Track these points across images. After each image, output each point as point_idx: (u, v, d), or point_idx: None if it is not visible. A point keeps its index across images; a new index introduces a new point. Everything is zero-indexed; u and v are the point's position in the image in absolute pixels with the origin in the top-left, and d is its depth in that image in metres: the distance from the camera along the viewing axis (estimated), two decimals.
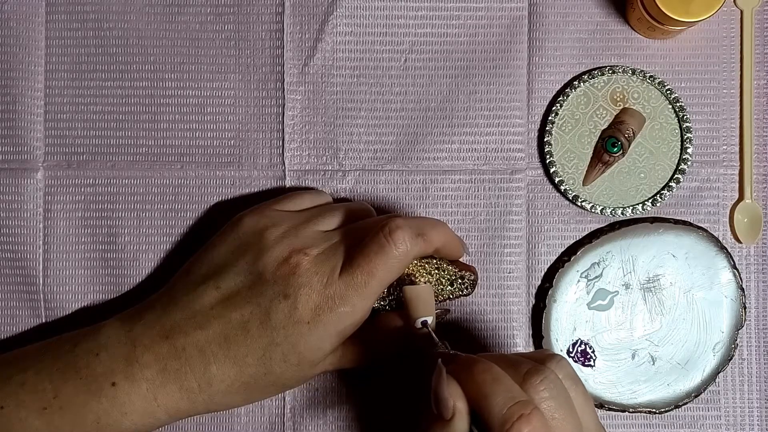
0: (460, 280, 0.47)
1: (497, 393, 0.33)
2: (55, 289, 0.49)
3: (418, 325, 0.44)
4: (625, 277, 0.49)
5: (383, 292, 0.46)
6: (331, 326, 0.41)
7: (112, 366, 0.41)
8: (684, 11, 0.44)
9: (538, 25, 0.50)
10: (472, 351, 0.49)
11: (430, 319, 0.44)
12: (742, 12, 0.50)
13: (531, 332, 0.50)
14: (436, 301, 0.46)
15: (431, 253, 0.45)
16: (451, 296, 0.47)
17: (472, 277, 0.47)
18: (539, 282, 0.50)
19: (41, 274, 0.49)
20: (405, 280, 0.46)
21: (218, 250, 0.44)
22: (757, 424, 0.50)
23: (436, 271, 0.46)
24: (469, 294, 0.47)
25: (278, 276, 0.41)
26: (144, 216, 0.50)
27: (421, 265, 0.46)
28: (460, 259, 0.47)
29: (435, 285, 0.46)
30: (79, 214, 0.50)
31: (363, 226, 0.44)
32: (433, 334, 0.42)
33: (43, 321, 0.49)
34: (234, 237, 0.44)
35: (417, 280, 0.46)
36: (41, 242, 0.49)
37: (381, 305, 0.46)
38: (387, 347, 0.45)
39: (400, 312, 0.45)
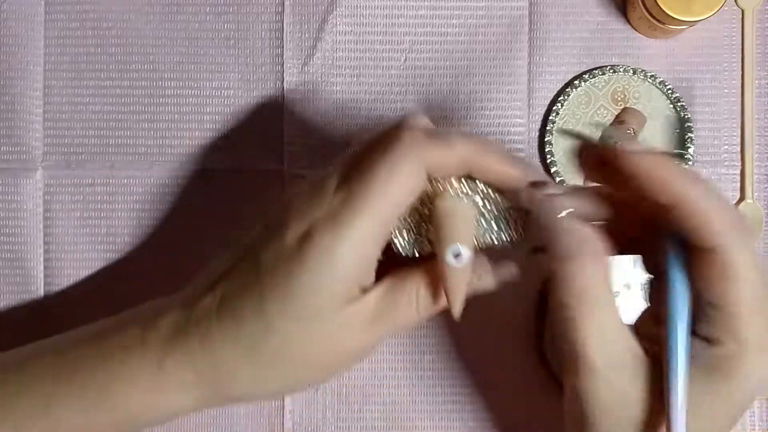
0: (505, 222, 0.32)
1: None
2: (55, 289, 0.49)
3: (450, 259, 0.31)
4: (627, 277, 0.49)
5: (409, 226, 0.34)
6: (324, 258, 0.32)
7: (135, 331, 0.37)
8: (685, 10, 0.44)
9: (538, 24, 0.50)
10: (472, 353, 0.50)
11: (465, 252, 0.31)
12: (743, 11, 0.50)
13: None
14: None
15: (460, 171, 0.32)
16: (494, 243, 0.32)
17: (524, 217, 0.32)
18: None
19: (41, 274, 0.49)
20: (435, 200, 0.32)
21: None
22: (758, 425, 0.50)
23: (480, 198, 0.32)
24: (517, 246, 0.32)
25: (270, 220, 0.36)
26: (143, 216, 0.50)
27: (457, 186, 0.32)
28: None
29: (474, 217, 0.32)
30: (78, 214, 0.49)
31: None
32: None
33: (43, 321, 0.49)
34: None
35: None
36: (41, 242, 0.49)
37: (408, 243, 0.33)
38: (414, 314, 0.35)
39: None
